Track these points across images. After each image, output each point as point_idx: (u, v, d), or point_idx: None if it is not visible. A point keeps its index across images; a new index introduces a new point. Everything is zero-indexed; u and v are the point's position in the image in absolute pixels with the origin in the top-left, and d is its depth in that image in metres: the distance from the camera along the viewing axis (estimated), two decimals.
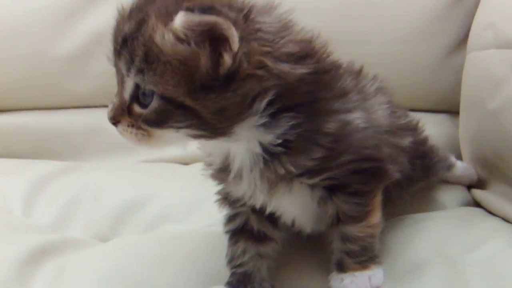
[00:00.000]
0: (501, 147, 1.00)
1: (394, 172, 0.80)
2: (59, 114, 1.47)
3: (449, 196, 1.16)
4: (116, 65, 0.69)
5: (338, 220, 0.78)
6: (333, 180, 0.73)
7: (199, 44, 0.62)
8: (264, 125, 0.68)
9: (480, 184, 1.17)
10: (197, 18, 0.61)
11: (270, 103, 0.66)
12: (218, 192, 0.84)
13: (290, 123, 0.68)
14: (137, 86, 0.66)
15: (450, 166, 1.14)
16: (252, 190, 0.75)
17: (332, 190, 0.75)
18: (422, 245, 0.89)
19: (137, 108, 0.67)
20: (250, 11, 0.65)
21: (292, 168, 0.70)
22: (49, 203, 1.15)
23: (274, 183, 0.73)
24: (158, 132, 0.67)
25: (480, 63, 1.13)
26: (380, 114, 0.80)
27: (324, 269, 0.83)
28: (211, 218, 0.99)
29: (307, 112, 0.69)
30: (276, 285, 0.84)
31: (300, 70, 0.67)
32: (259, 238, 0.83)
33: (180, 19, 0.61)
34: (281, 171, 0.70)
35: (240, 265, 0.82)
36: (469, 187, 1.20)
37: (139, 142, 0.69)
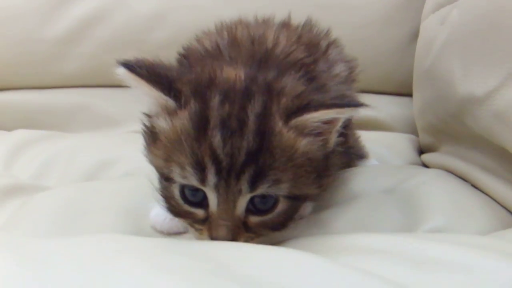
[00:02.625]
0: (438, 107, 1.04)
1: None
2: (46, 92, 1.56)
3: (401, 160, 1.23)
4: (221, 186, 0.61)
5: None
6: None
7: (321, 134, 0.64)
8: None
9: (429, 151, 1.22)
10: (334, 113, 0.62)
11: None
12: None
13: None
14: (254, 197, 0.63)
15: (360, 157, 1.12)
16: None
17: None
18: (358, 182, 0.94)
19: (254, 218, 0.64)
20: None
21: None
22: (27, 161, 1.22)
23: None
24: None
25: (422, 32, 1.20)
26: (339, 69, 0.83)
27: None
28: None
29: None
30: None
31: None
32: None
33: (317, 116, 0.61)
34: None
35: None
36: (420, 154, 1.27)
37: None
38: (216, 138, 0.60)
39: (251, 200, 0.63)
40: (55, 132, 1.41)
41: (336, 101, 0.63)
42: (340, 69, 0.83)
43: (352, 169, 1.02)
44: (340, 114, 0.62)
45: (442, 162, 1.05)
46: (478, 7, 0.84)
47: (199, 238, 0.67)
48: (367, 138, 1.18)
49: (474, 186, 0.89)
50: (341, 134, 0.74)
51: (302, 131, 0.62)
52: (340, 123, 0.64)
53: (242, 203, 0.63)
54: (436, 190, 0.85)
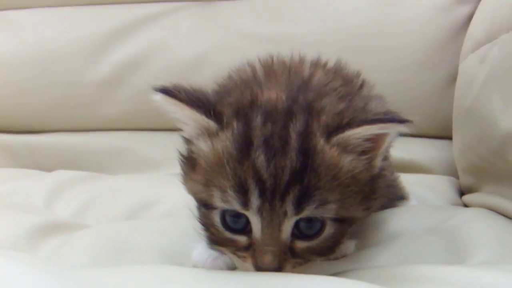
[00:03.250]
0: (480, 146, 1.02)
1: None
2: (87, 135, 1.60)
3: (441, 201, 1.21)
4: (265, 209, 0.59)
5: None
6: None
7: (366, 153, 0.63)
8: None
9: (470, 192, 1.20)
10: (378, 128, 0.60)
11: None
12: None
13: None
14: (298, 220, 0.61)
15: (401, 199, 1.10)
16: None
17: None
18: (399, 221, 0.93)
19: (300, 243, 0.62)
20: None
21: None
22: (68, 201, 1.24)
23: None
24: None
25: (461, 73, 1.20)
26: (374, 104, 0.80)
27: None
28: None
29: None
30: None
31: None
32: None
33: (360, 132, 0.60)
34: None
35: None
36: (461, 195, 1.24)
37: None
38: (260, 158, 0.59)
39: (297, 224, 0.61)
40: (95, 173, 1.43)
41: (379, 117, 0.61)
42: (376, 104, 0.82)
43: (392, 209, 1.01)
44: (384, 130, 0.61)
45: (484, 201, 1.02)
46: None
47: (243, 267, 0.65)
48: (406, 181, 1.16)
49: None
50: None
51: (345, 149, 0.61)
52: (386, 143, 0.63)
53: (287, 227, 0.61)
54: (480, 227, 0.84)
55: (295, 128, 0.60)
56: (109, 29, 1.59)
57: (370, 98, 0.82)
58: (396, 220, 0.93)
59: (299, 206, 0.59)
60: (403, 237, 0.85)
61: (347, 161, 0.61)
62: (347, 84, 0.76)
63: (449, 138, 1.41)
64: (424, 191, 1.23)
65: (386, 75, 1.42)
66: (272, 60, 0.76)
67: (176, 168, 1.43)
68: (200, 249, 0.75)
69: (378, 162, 0.65)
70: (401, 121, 0.60)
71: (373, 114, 0.63)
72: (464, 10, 1.45)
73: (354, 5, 1.54)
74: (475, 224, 0.86)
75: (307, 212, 0.59)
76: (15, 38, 1.64)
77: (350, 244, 0.78)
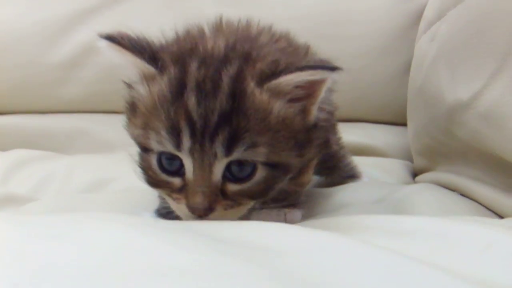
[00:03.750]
0: (431, 125, 1.05)
1: (333, 142, 0.88)
2: (47, 117, 1.58)
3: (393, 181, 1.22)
4: (196, 149, 0.61)
5: None
6: None
7: (300, 100, 0.64)
8: None
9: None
10: (311, 75, 0.61)
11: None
12: None
13: None
14: (231, 163, 0.62)
15: (352, 177, 1.13)
16: None
17: None
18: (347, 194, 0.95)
19: (232, 186, 0.64)
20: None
21: None
22: (24, 178, 1.23)
23: None
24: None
25: (415, 55, 1.22)
26: None
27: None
28: None
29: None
30: None
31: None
32: None
33: (292, 78, 0.61)
34: None
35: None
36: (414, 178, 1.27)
37: (231, 218, 0.65)
38: (191, 101, 0.60)
39: (229, 167, 0.63)
40: (52, 152, 1.42)
41: (311, 64, 0.63)
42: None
43: (342, 185, 1.03)
44: (314, 76, 0.61)
45: (432, 178, 1.05)
46: (464, 17, 0.86)
47: (178, 209, 0.67)
48: (360, 162, 1.19)
49: (462, 195, 0.89)
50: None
51: (277, 95, 0.62)
52: (320, 92, 0.64)
53: (218, 169, 0.62)
54: (425, 198, 0.86)
55: (228, 72, 0.62)
56: (71, 11, 1.58)
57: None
58: (344, 192, 0.96)
59: (228, 148, 0.60)
60: (350, 207, 0.87)
61: (278, 107, 0.63)
62: (292, 48, 0.77)
63: (405, 125, 1.44)
64: (377, 172, 1.25)
65: (347, 61, 1.42)
66: (221, 20, 0.77)
67: (134, 150, 1.45)
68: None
69: (313, 112, 0.66)
70: (332, 68, 0.61)
71: (306, 62, 0.66)
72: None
73: None
74: (420, 195, 0.88)
75: (236, 154, 0.61)
76: None
77: (296, 213, 0.80)
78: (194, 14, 1.42)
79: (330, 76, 0.62)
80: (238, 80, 0.61)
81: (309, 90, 0.64)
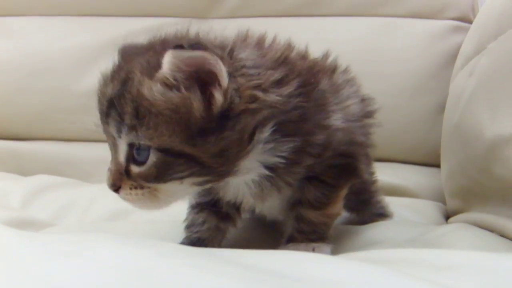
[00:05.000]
0: (467, 163, 0.99)
1: (364, 171, 0.85)
2: (72, 145, 1.58)
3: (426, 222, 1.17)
4: (105, 130, 0.68)
5: (299, 204, 0.79)
6: (310, 172, 0.75)
7: (188, 88, 0.63)
8: (269, 150, 0.69)
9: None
10: (185, 53, 0.61)
11: (272, 132, 0.68)
12: None
13: (291, 145, 0.69)
14: (131, 146, 0.65)
15: (383, 216, 1.09)
16: (243, 196, 0.77)
17: (306, 180, 0.77)
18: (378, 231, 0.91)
19: (134, 168, 0.66)
20: (232, 48, 0.67)
21: (289, 179, 0.74)
22: (45, 204, 1.21)
23: (269, 192, 0.75)
24: (162, 187, 0.67)
25: (451, 92, 1.18)
26: (351, 102, 0.80)
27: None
28: None
29: (301, 131, 0.70)
30: None
31: (287, 90, 0.68)
32: (222, 216, 0.85)
33: (168, 60, 0.62)
34: (281, 183, 0.74)
35: (197, 232, 0.84)
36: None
37: (145, 205, 0.69)
38: (99, 88, 0.69)
39: (131, 151, 0.66)
40: (76, 180, 1.41)
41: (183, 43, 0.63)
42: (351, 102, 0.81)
43: (373, 223, 0.99)
44: (175, 58, 0.62)
45: (467, 219, 1.00)
46: (505, 48, 0.82)
47: None
48: (392, 203, 1.14)
49: (501, 235, 0.84)
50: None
51: (165, 83, 0.63)
52: (218, 78, 0.63)
53: (121, 150, 0.67)
54: (462, 236, 0.81)
55: (128, 65, 0.67)
56: (101, 40, 1.59)
57: (347, 97, 0.82)
58: (374, 230, 0.92)
59: (118, 130, 0.65)
60: (381, 244, 0.83)
61: (157, 92, 0.63)
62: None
63: (438, 166, 1.39)
64: (409, 212, 1.21)
65: (379, 100, 1.40)
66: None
67: None
68: None
69: (217, 100, 0.64)
70: (198, 47, 0.62)
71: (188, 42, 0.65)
72: (458, 38, 1.45)
73: (352, 32, 1.55)
74: (456, 233, 0.84)
75: (125, 136, 0.65)
76: (8, 44, 1.63)
77: (325, 248, 0.78)
78: None
79: (211, 58, 0.61)
80: (130, 71, 0.65)
81: (207, 77, 0.63)
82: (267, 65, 0.68)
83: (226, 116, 0.64)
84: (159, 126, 0.63)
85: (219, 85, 0.63)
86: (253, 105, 0.65)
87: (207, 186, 0.71)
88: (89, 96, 1.47)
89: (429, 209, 1.27)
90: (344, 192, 0.81)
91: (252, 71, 0.66)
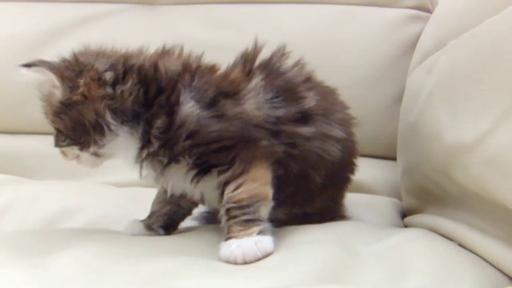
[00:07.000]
0: (424, 164, 0.97)
1: (272, 147, 0.86)
2: (14, 137, 1.52)
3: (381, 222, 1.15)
4: None
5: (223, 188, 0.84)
6: (198, 160, 0.84)
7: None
8: (127, 134, 0.86)
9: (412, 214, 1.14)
10: (39, 68, 0.88)
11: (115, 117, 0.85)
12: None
13: (139, 129, 0.85)
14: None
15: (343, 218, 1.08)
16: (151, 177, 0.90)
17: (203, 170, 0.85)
18: (322, 232, 0.87)
19: None
20: (75, 58, 0.87)
21: (164, 159, 0.85)
22: None
23: (160, 170, 0.87)
24: (75, 153, 0.91)
25: (408, 87, 1.15)
26: (248, 106, 0.87)
27: None
28: None
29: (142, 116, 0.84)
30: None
31: (123, 87, 0.85)
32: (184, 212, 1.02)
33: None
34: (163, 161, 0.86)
35: (160, 203, 0.99)
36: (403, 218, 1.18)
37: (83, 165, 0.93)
38: None
39: None
40: (17, 177, 1.35)
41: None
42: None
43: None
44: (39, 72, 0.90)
45: (425, 222, 0.97)
46: (468, 48, 0.78)
47: None
48: (348, 200, 1.11)
49: (460, 245, 0.81)
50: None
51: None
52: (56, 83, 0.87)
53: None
54: (419, 248, 0.77)
55: None
56: (45, 28, 1.52)
57: None
58: (328, 226, 0.89)
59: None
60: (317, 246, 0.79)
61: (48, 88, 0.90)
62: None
63: (394, 159, 1.37)
64: (366, 212, 1.18)
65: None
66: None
67: (107, 177, 1.36)
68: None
69: (57, 94, 0.88)
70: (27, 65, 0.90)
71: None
72: (415, 28, 1.43)
73: (307, 21, 1.51)
74: (414, 245, 0.79)
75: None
76: None
77: (265, 239, 0.79)
78: (174, 35, 1.37)
79: (44, 70, 0.88)
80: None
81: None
82: (103, 66, 0.86)
83: (70, 104, 0.84)
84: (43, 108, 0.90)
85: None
86: (91, 97, 0.84)
87: (84, 152, 0.88)
88: (31, 86, 1.42)
89: (385, 206, 1.25)
90: (259, 168, 0.84)
91: (91, 73, 0.85)
